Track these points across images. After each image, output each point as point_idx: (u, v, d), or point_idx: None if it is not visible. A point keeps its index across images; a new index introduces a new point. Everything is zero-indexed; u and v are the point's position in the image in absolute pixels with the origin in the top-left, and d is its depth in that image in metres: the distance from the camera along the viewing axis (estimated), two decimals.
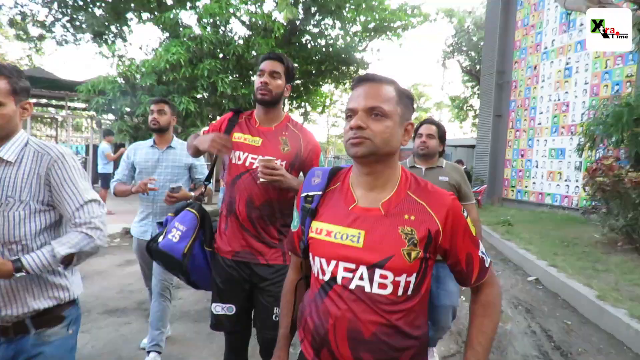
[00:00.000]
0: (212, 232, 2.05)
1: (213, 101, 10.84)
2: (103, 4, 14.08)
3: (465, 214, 1.16)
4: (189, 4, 13.69)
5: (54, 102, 15.79)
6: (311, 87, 16.61)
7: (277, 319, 1.85)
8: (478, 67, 22.37)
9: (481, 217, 10.58)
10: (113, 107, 9.88)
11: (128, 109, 10.24)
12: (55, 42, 14.01)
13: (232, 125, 2.04)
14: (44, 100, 15.23)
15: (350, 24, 15.96)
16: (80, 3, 13.83)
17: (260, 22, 11.08)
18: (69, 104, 13.83)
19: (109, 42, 14.65)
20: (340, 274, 1.12)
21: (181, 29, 10.81)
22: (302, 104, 17.44)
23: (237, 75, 11.37)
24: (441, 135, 2.80)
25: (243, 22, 11.94)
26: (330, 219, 1.18)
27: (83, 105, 14.04)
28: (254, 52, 10.92)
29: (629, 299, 4.24)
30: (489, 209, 12.67)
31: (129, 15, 14.54)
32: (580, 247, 6.69)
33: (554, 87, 12.33)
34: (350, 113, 1.12)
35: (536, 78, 13.13)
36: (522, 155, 13.48)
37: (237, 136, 2.00)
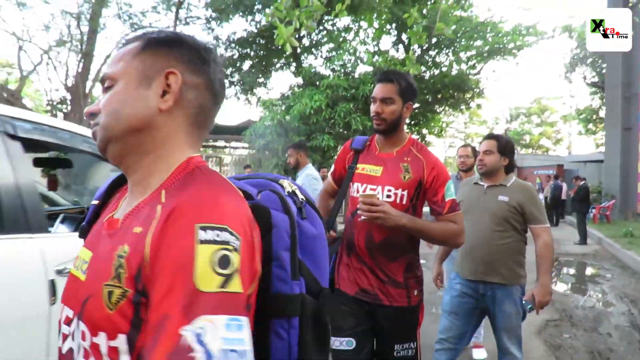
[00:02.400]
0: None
1: (347, 137, 12.95)
2: (252, 61, 17.38)
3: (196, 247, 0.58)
4: (317, 52, 16.36)
5: (217, 143, 19.70)
6: (428, 115, 17.98)
7: (398, 355, 1.81)
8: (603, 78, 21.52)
9: (606, 230, 10.90)
10: (270, 147, 12.51)
11: (281, 147, 12.83)
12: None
13: (358, 156, 1.94)
14: (210, 142, 19.10)
15: (464, 52, 17.11)
16: (232, 60, 17.32)
17: (383, 66, 12.97)
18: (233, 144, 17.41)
19: (254, 90, 17.96)
20: None
21: (318, 82, 13.22)
22: (421, 130, 18.85)
23: (367, 113, 13.38)
24: (502, 149, 2.55)
25: (370, 64, 13.94)
26: None
27: (241, 145, 17.48)
28: None
29: None
30: (619, 223, 12.64)
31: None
32: None
33: None
34: None
35: None
36: None
37: (360, 167, 1.90)
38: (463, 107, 18.44)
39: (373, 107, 1.84)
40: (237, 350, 0.56)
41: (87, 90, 16.53)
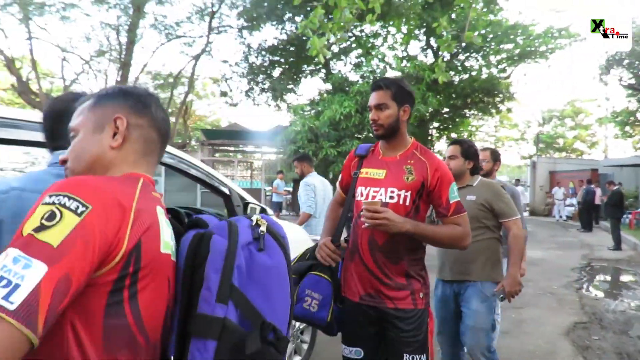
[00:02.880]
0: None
1: (375, 141, 13.19)
2: (282, 68, 17.84)
3: None
4: (346, 59, 16.65)
5: (247, 148, 20.22)
6: (457, 119, 17.95)
7: None
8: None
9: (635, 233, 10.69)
10: (301, 151, 12.84)
11: (311, 152, 13.17)
12: (252, 103, 18.15)
13: (362, 161, 1.96)
14: (241, 147, 19.68)
15: (494, 55, 17.00)
16: (263, 67, 17.81)
17: (412, 72, 13.13)
18: (263, 148, 17.95)
19: (284, 97, 18.40)
20: None
21: (347, 87, 13.49)
22: (450, 134, 18.81)
23: None
24: (466, 153, 2.66)
25: (399, 69, 14.10)
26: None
27: (271, 150, 17.96)
28: None
29: None
30: None
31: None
32: None
33: None
34: None
35: None
36: None
37: (363, 172, 1.92)
38: (493, 111, 18.30)
39: (370, 116, 1.89)
40: (8, 280, 0.64)
41: None
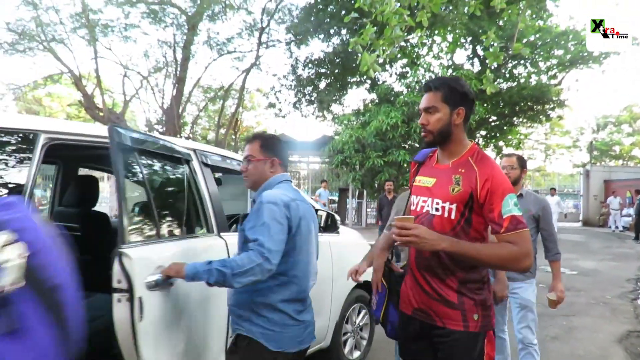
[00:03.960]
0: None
1: None
2: (329, 80, 18.34)
3: None
4: (391, 69, 16.89)
5: (292, 158, 20.84)
6: (505, 127, 17.70)
7: None
8: None
9: None
10: (347, 161, 13.21)
11: (358, 162, 13.49)
12: (300, 115, 18.80)
13: (419, 168, 1.87)
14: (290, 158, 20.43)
15: (544, 62, 16.68)
16: (310, 79, 18.38)
17: None
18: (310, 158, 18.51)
19: (330, 107, 18.86)
20: None
21: (392, 98, 13.76)
22: (497, 143, 18.54)
23: None
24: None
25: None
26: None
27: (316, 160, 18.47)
28: None
29: None
30: None
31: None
32: None
33: None
34: None
35: None
36: None
37: (417, 179, 1.83)
38: (543, 118, 17.90)
39: (419, 120, 1.77)
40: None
41: (180, 112, 18.40)
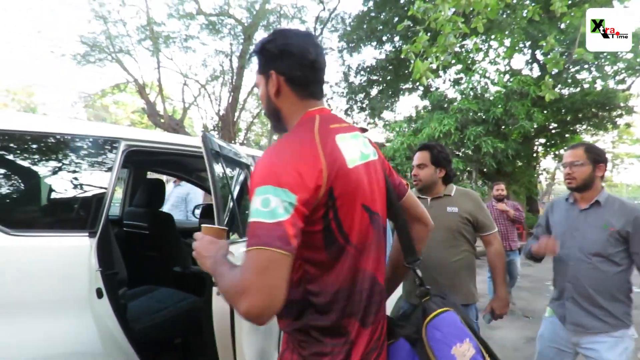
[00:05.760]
0: None
1: (475, 159, 12.95)
2: (381, 87, 18.32)
3: None
4: (445, 76, 16.57)
5: None
6: (567, 135, 16.84)
7: None
8: None
9: None
10: (399, 169, 13.07)
11: (409, 170, 13.33)
12: (352, 122, 18.90)
13: None
14: None
15: (610, 65, 15.69)
16: (361, 86, 18.43)
17: (515, 87, 12.75)
18: None
19: (381, 114, 18.80)
20: None
21: (446, 105, 13.51)
22: (557, 151, 17.68)
23: (498, 136, 13.18)
24: (435, 159, 2.37)
25: (501, 85, 13.77)
26: None
27: None
28: (511, 112, 12.62)
29: None
30: None
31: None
32: None
33: None
34: None
35: None
36: None
37: None
38: (609, 125, 16.84)
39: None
40: None
41: (235, 119, 19.04)
